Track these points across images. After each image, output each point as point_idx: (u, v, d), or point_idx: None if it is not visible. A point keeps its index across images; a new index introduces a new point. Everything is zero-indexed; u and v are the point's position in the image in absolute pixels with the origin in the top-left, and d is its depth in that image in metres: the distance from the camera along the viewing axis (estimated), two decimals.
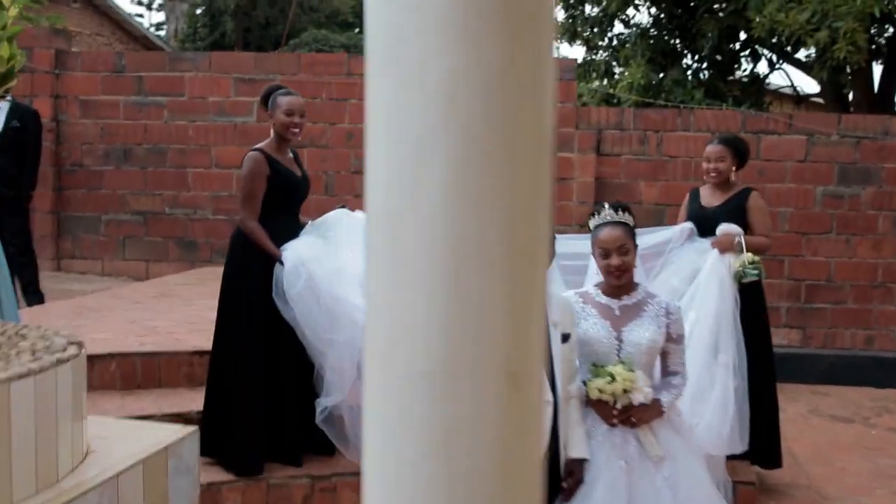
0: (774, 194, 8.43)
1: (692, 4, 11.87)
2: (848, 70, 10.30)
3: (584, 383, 3.61)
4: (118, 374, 5.06)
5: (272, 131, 4.64)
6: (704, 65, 12.63)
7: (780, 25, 8.96)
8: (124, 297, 7.00)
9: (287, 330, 4.50)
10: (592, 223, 3.73)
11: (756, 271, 4.96)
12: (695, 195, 5.34)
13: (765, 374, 5.05)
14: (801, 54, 11.39)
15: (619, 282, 3.65)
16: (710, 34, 10.82)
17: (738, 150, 5.23)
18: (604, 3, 12.47)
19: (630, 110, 8.76)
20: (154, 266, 8.68)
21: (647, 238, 5.14)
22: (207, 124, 8.64)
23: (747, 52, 12.19)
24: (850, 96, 11.34)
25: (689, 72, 12.42)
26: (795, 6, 8.97)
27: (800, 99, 13.14)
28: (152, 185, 8.72)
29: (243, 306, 4.51)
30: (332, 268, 4.47)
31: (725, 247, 5.00)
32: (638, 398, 3.52)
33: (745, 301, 4.94)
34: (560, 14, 12.78)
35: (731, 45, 12.21)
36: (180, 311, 6.38)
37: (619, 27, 13.36)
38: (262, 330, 4.50)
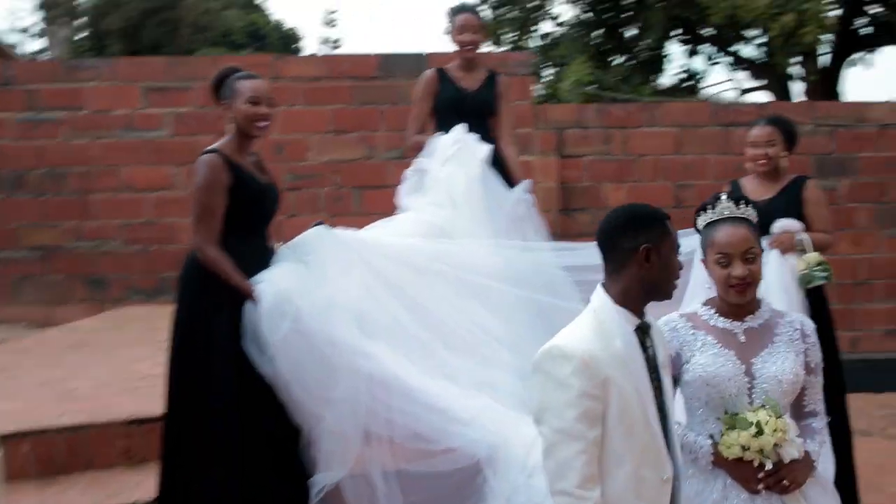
0: None
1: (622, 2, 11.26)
2: (800, 57, 9.76)
3: (711, 439, 2.66)
4: (33, 457, 3.89)
5: (230, 127, 3.57)
6: (634, 62, 12.03)
7: (742, 11, 8.30)
8: (29, 352, 5.73)
9: (263, 388, 3.42)
10: (702, 220, 2.81)
11: (825, 273, 4.14)
12: (736, 188, 4.48)
13: (838, 395, 4.21)
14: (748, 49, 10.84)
15: (742, 298, 2.73)
16: (654, 28, 10.14)
17: (789, 132, 4.42)
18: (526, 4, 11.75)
19: (591, 107, 7.96)
20: (57, 310, 7.37)
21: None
22: (114, 141, 7.42)
23: (686, 49, 11.66)
24: (804, 87, 10.83)
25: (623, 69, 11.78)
26: None
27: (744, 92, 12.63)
28: (50, 216, 7.43)
29: (205, 359, 3.43)
30: (321, 302, 3.42)
31: (787, 247, 4.18)
32: (791, 453, 2.61)
33: (809, 310, 4.10)
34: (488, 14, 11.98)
35: (666, 42, 11.63)
36: (101, 365, 5.18)
37: (546, 26, 12.66)
38: (232, 389, 3.41)
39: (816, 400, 2.86)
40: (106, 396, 4.45)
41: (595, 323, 2.42)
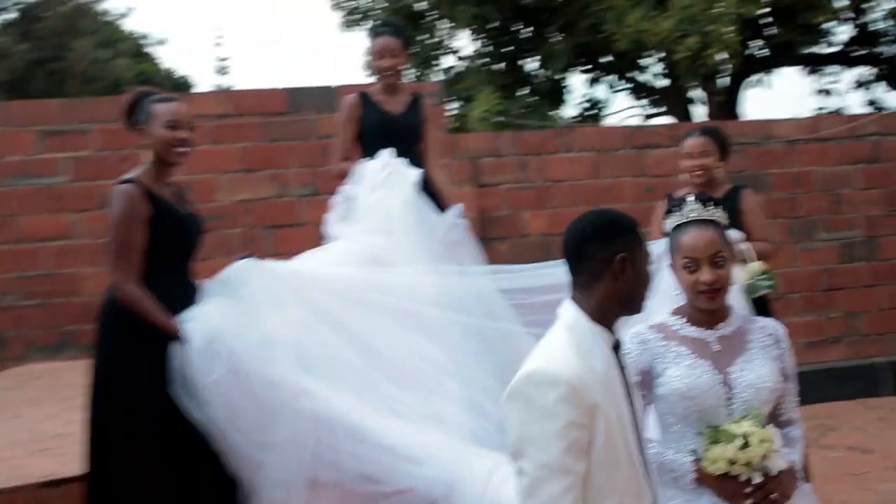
0: None
1: (521, 34, 11.29)
2: (701, 80, 9.91)
3: (693, 455, 2.50)
4: None
5: (147, 154, 3.30)
6: (536, 94, 12.08)
7: (646, 35, 8.37)
8: None
9: (195, 436, 3.13)
10: (670, 223, 2.67)
11: (770, 282, 4.08)
12: (673, 201, 4.38)
13: None
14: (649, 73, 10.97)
15: (712, 304, 2.60)
16: (558, 57, 10.18)
17: (723, 142, 4.38)
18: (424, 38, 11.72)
19: (506, 134, 7.85)
20: None
21: None
22: (7, 190, 6.96)
23: (588, 78, 11.76)
24: (707, 109, 11.00)
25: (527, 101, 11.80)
26: (659, 14, 8.43)
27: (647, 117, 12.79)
28: None
29: (130, 409, 3.12)
30: (257, 340, 3.16)
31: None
32: (778, 465, 2.46)
33: None
34: None
35: (568, 72, 11.71)
36: (6, 427, 4.76)
37: (448, 60, 12.64)
38: (161, 439, 3.11)
39: (792, 408, 2.75)
40: (15, 459, 4.06)
41: (573, 343, 2.20)
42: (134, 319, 3.13)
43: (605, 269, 2.23)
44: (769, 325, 2.73)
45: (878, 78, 9.97)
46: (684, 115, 11.19)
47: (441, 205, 4.48)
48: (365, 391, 3.28)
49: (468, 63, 11.99)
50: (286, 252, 5.59)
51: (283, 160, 7.36)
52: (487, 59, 12.02)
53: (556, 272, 4.02)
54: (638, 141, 7.85)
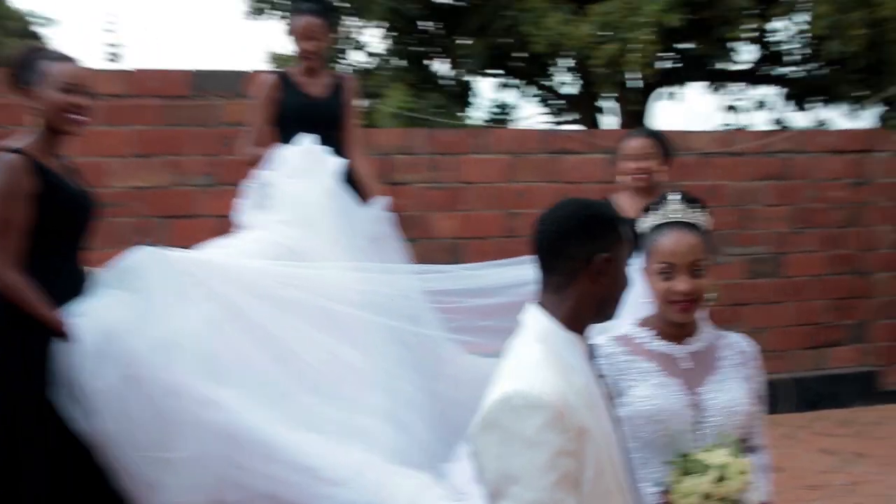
0: None
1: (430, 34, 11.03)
2: (615, 90, 9.83)
3: (663, 486, 2.23)
4: None
5: (36, 121, 2.86)
6: (444, 94, 11.84)
7: (565, 38, 8.19)
8: None
9: (79, 449, 2.71)
10: (646, 223, 2.40)
11: (713, 294, 3.85)
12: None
13: None
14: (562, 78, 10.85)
15: (685, 317, 2.35)
16: (474, 58, 9.94)
17: (666, 145, 4.16)
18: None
19: (421, 131, 7.53)
20: None
21: None
22: None
23: (498, 82, 11.58)
24: (619, 119, 10.94)
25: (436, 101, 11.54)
26: (578, 19, 8.27)
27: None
28: None
29: (3, 417, 2.67)
30: (157, 341, 2.75)
31: None
32: (754, 500, 2.21)
33: None
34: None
35: (477, 75, 11.51)
36: None
37: (357, 56, 12.27)
38: (38, 451, 2.68)
39: (759, 433, 2.52)
40: None
41: (549, 356, 1.90)
42: (13, 311, 2.69)
43: (584, 270, 1.95)
44: (740, 342, 2.50)
45: (786, 97, 10.10)
46: (594, 124, 11.11)
47: (364, 197, 4.14)
48: (280, 402, 2.91)
49: (377, 60, 11.64)
50: (181, 245, 5.16)
51: (183, 146, 6.85)
52: (396, 57, 11.70)
53: (490, 274, 3.77)
54: (553, 145, 7.64)
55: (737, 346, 2.47)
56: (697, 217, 2.40)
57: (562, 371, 1.88)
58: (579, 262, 1.94)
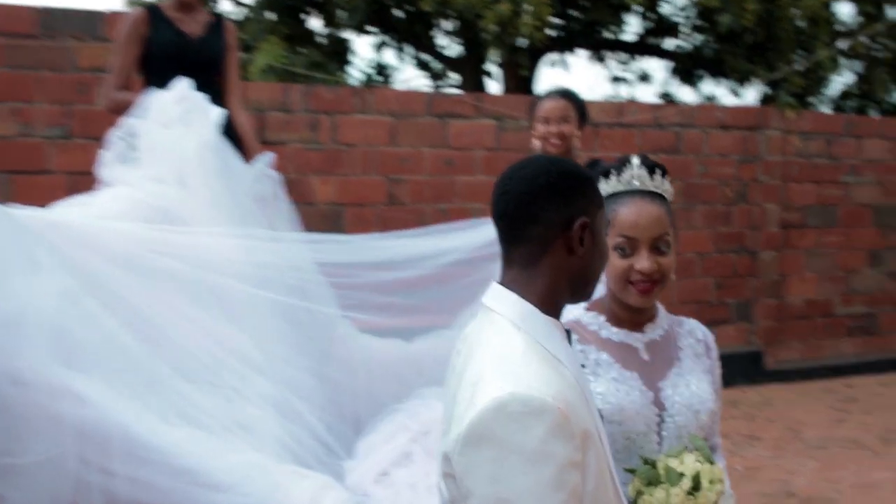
0: (466, 188, 7.23)
1: None
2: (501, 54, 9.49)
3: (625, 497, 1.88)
4: None
5: None
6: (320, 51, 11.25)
7: None
8: None
9: None
10: (605, 189, 2.02)
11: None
12: None
13: None
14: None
15: (645, 301, 2.02)
16: (353, 14, 9.39)
17: (582, 108, 3.82)
18: None
19: (297, 87, 6.98)
20: None
21: (473, 234, 3.52)
22: None
23: (377, 41, 11.08)
24: (503, 85, 10.62)
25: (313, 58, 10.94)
26: None
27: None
28: None
29: None
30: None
31: None
32: None
33: None
34: None
35: (357, 33, 10.99)
36: None
37: (226, 6, 11.52)
38: None
39: (716, 431, 2.22)
40: None
41: (535, 348, 1.54)
42: None
43: (559, 238, 1.60)
44: (697, 329, 2.18)
45: (673, 71, 10.01)
46: (477, 89, 10.76)
47: (246, 153, 3.63)
48: (149, 391, 2.42)
49: (247, 11, 10.93)
50: (28, 204, 4.54)
51: (29, 93, 6.11)
52: (269, 9, 11.02)
53: (392, 246, 3.36)
54: (440, 108, 7.25)
55: (695, 334, 2.16)
56: (662, 185, 2.05)
57: (552, 365, 1.53)
58: (553, 229, 1.60)
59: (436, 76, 12.19)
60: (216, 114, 3.30)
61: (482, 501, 1.43)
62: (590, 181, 1.65)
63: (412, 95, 7.47)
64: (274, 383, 2.75)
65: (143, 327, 2.55)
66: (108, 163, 3.13)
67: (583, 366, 1.73)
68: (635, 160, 2.05)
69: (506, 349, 1.53)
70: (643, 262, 1.95)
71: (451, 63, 11.36)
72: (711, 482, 1.83)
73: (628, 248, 1.96)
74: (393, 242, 3.26)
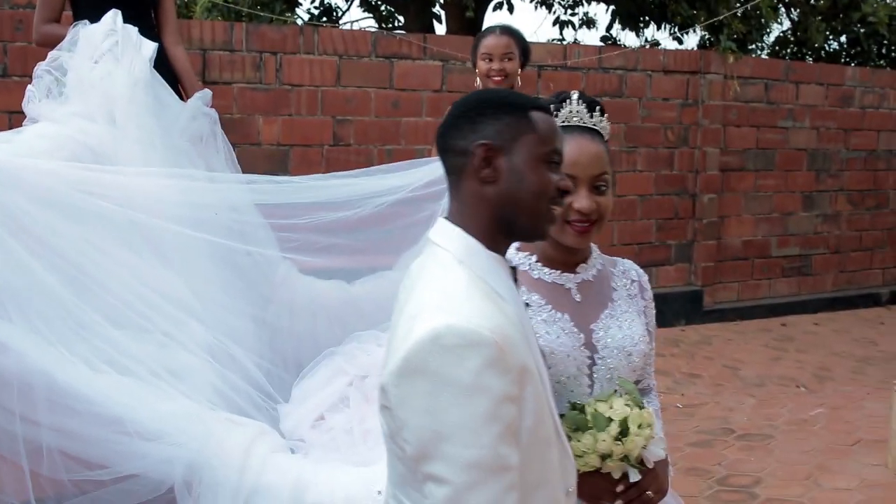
0: (411, 130, 7.17)
1: None
2: None
3: None
4: None
5: None
6: None
7: None
8: None
9: None
10: None
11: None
12: None
13: None
14: None
15: (581, 241, 1.99)
16: None
17: (526, 46, 3.79)
18: None
19: (241, 26, 6.81)
20: None
21: (415, 173, 3.47)
22: None
23: None
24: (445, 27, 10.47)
25: None
26: None
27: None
28: None
29: None
30: None
31: None
32: (658, 454, 1.90)
33: None
34: None
35: None
36: None
37: None
38: None
39: (650, 373, 2.23)
40: None
41: (476, 281, 1.52)
42: None
43: (466, 167, 1.57)
44: (631, 269, 2.16)
45: (614, 15, 9.96)
46: (425, 31, 10.60)
47: (183, 90, 3.54)
48: (76, 337, 2.36)
49: None
50: None
51: None
52: None
53: (333, 185, 3.30)
54: (386, 49, 7.15)
55: (629, 274, 2.14)
56: (601, 123, 2.02)
57: (493, 299, 1.51)
58: (461, 157, 1.57)
59: (382, 18, 11.98)
60: (148, 48, 3.19)
61: (416, 433, 1.42)
62: (505, 107, 1.58)
63: (358, 35, 7.35)
64: (209, 328, 2.70)
65: (70, 271, 2.47)
66: (33, 98, 3.03)
67: (527, 304, 1.72)
68: (574, 95, 2.01)
69: (447, 283, 1.51)
70: (582, 200, 1.91)
71: (397, 5, 11.16)
72: (640, 427, 1.82)
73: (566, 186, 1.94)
74: (333, 182, 3.20)
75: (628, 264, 2.16)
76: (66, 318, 2.39)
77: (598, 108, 2.01)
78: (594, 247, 2.12)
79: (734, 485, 4.20)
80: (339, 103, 6.94)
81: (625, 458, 1.82)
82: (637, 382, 2.15)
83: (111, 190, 2.69)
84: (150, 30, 3.48)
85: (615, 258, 2.18)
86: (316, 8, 12.22)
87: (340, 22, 12.01)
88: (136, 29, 3.20)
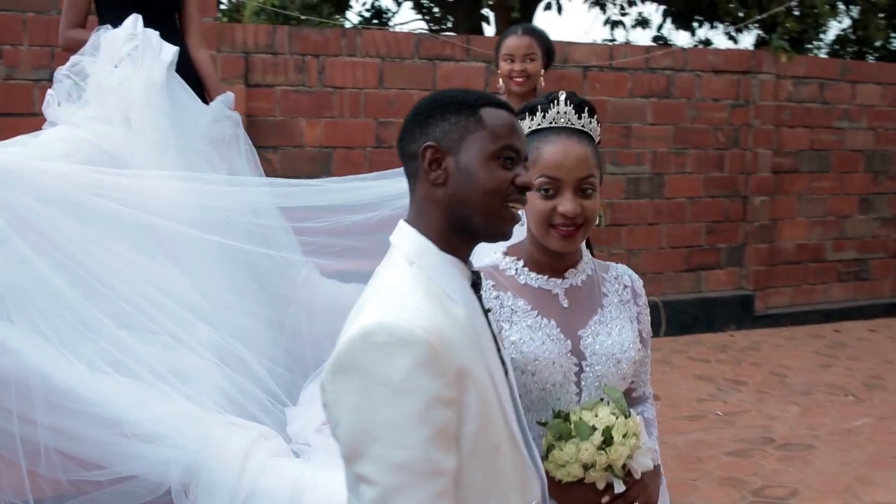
0: None
1: None
2: None
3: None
4: None
5: None
6: None
7: None
8: None
9: None
10: (524, 127, 1.96)
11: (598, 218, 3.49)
12: None
13: None
14: None
15: (568, 245, 1.94)
16: None
17: (549, 46, 3.72)
18: None
19: (284, 29, 6.87)
20: None
21: None
22: None
23: None
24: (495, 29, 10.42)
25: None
26: None
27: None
28: None
29: None
30: None
31: None
32: (645, 464, 1.84)
33: None
34: None
35: None
36: None
37: None
38: None
39: (646, 381, 2.17)
40: None
41: (422, 281, 1.50)
42: None
43: (419, 170, 1.56)
44: (624, 274, 2.11)
45: (665, 15, 9.80)
46: (474, 33, 10.58)
47: (206, 94, 3.56)
48: (79, 338, 2.38)
49: None
50: None
51: (14, 35, 6.05)
52: None
53: (353, 188, 3.29)
54: (429, 51, 7.15)
55: (622, 279, 2.08)
56: (589, 124, 1.97)
57: (437, 299, 1.48)
58: (413, 160, 1.57)
59: (434, 19, 11.98)
60: (168, 52, 3.21)
61: (348, 431, 1.40)
62: (452, 106, 1.55)
63: (400, 37, 7.34)
64: (217, 330, 2.71)
65: (77, 271, 2.50)
66: (52, 102, 3.07)
67: (487, 310, 1.68)
68: (562, 96, 1.97)
69: (390, 282, 1.50)
70: (566, 204, 1.87)
71: (447, 6, 11.16)
72: (625, 436, 1.76)
73: (551, 188, 1.89)
74: (351, 185, 3.19)
75: (621, 269, 2.11)
76: (71, 318, 2.41)
77: (587, 108, 1.96)
78: (586, 252, 2.08)
79: (769, 496, 4.08)
80: (381, 105, 6.95)
81: (609, 469, 1.76)
82: (631, 391, 2.09)
83: (122, 192, 2.71)
84: (173, 33, 3.51)
85: (608, 263, 2.13)
86: (367, 10, 12.29)
87: (390, 24, 12.05)
88: (156, 33, 3.23)
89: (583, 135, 1.93)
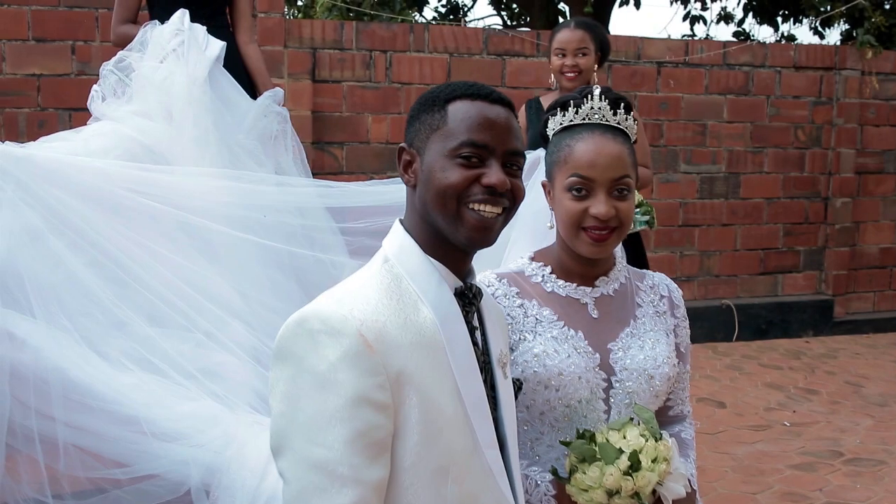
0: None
1: None
2: None
3: (554, 473, 1.73)
4: None
5: None
6: None
7: None
8: None
9: None
10: (557, 121, 1.86)
11: (647, 217, 3.37)
12: (537, 108, 3.60)
13: None
14: None
15: (600, 251, 1.83)
16: None
17: (603, 40, 3.60)
18: None
19: (352, 24, 6.85)
20: None
21: None
22: None
23: None
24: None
25: None
26: None
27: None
28: None
29: None
30: None
31: None
32: (677, 491, 1.71)
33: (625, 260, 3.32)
34: None
35: None
36: None
37: None
38: None
39: (685, 398, 2.02)
40: None
41: (389, 277, 1.44)
42: None
43: (402, 172, 1.54)
44: (662, 283, 1.98)
45: (746, 9, 9.49)
46: (548, 28, 10.43)
47: (255, 90, 3.53)
48: (105, 335, 2.35)
49: None
50: None
51: (86, 31, 6.17)
52: None
53: (393, 190, 3.19)
54: (498, 47, 7.06)
55: (658, 289, 1.95)
56: (625, 122, 1.85)
57: (396, 297, 1.40)
58: (399, 162, 1.55)
59: (512, 15, 11.85)
60: (215, 48, 3.17)
61: (274, 422, 1.34)
62: (424, 104, 1.49)
63: (469, 33, 7.26)
64: (253, 330, 2.66)
65: (112, 268, 2.48)
66: (97, 97, 3.06)
67: (537, 320, 1.59)
68: (597, 91, 1.85)
69: (355, 275, 1.45)
70: (599, 206, 1.76)
71: (523, 2, 11.02)
72: (655, 461, 1.64)
73: (584, 189, 1.77)
74: (391, 188, 3.11)
75: (659, 278, 1.98)
76: (100, 315, 2.38)
77: (623, 104, 1.84)
78: (620, 259, 1.95)
79: None
80: None
81: (636, 496, 1.64)
82: (667, 409, 1.96)
83: (160, 189, 2.67)
84: (223, 29, 3.48)
85: (644, 271, 2.00)
86: (443, 7, 12.24)
87: (465, 20, 11.95)
88: (203, 28, 3.19)
89: (618, 132, 1.81)
